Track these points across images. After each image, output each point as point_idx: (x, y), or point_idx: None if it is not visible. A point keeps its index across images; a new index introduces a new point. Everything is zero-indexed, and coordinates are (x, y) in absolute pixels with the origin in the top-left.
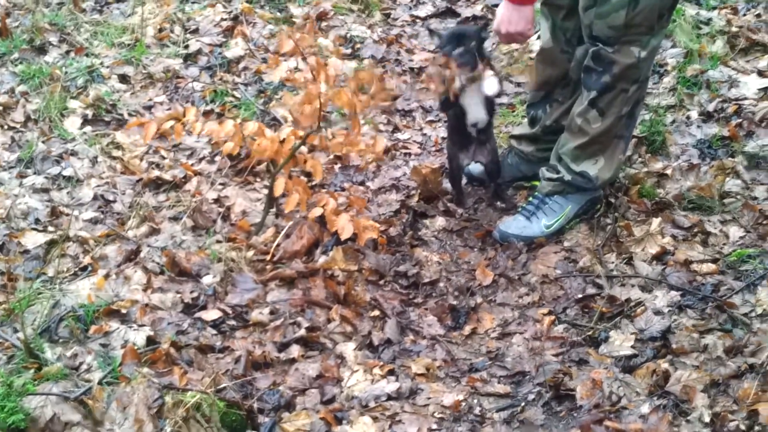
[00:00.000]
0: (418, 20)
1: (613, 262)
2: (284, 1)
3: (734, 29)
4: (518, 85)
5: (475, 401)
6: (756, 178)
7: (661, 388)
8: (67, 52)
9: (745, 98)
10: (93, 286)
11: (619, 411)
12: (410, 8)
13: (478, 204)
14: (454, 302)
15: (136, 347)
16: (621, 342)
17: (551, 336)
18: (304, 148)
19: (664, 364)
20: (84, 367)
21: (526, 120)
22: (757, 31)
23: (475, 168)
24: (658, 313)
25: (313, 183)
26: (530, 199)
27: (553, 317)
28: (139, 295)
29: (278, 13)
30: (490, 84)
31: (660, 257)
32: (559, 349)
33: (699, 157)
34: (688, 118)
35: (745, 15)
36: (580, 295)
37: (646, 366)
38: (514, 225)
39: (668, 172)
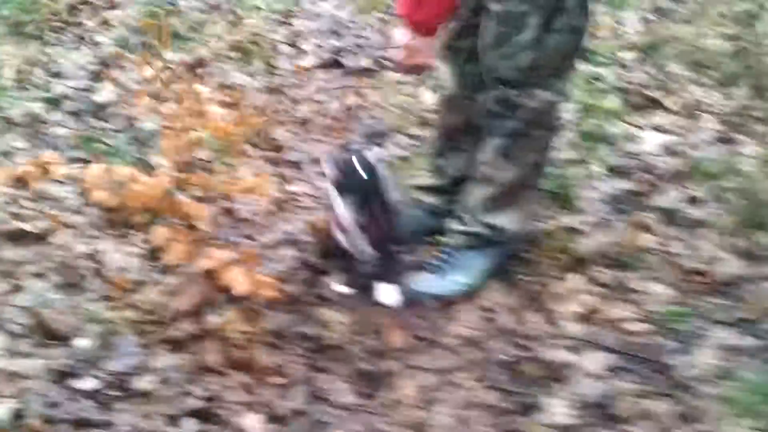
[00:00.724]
0: (302, 70)
1: (535, 322)
2: (158, 47)
3: (626, 85)
4: (412, 137)
5: None
6: (670, 234)
7: None
8: None
9: (645, 153)
10: None
11: None
12: (293, 58)
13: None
14: (367, 367)
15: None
16: (556, 409)
17: (479, 403)
18: (184, 197)
19: None
20: None
21: (429, 171)
22: (648, 87)
23: None
24: (592, 376)
25: (198, 235)
26: (438, 254)
27: (479, 382)
28: (1, 362)
29: (151, 58)
30: (386, 294)
31: (585, 316)
32: (490, 419)
33: (609, 212)
34: (592, 173)
35: (633, 72)
36: (505, 358)
37: None
38: (422, 283)
39: (580, 227)
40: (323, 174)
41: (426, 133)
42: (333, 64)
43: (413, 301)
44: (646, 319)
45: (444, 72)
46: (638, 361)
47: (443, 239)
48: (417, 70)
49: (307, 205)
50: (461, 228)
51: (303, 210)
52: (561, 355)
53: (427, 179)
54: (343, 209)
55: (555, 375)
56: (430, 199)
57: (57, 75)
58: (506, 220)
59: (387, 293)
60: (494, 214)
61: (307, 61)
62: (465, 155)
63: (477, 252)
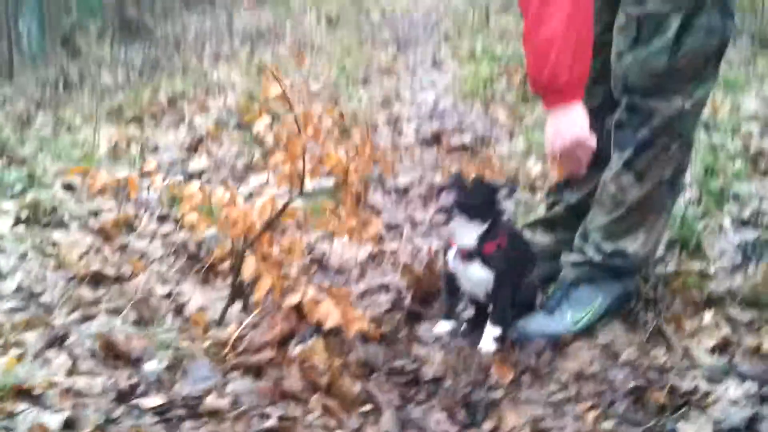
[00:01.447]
0: (400, 148)
1: (664, 355)
2: (254, 125)
3: (753, 151)
4: (517, 203)
5: None
6: None
7: None
8: (8, 165)
9: None
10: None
11: None
12: (393, 138)
13: None
14: (469, 398)
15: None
16: None
17: (600, 431)
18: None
19: None
20: None
21: (546, 205)
22: None
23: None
24: (733, 403)
25: (288, 272)
26: (551, 292)
27: (598, 412)
28: (61, 377)
29: (248, 136)
30: (486, 342)
31: (722, 348)
32: None
33: (743, 259)
34: (721, 226)
35: (759, 141)
36: (627, 389)
37: None
38: (534, 322)
39: (711, 271)
40: (441, 201)
41: (533, 198)
42: (433, 142)
43: (523, 342)
44: None
45: None
46: None
47: (558, 277)
48: (577, 157)
49: (402, 261)
50: (577, 259)
51: (398, 265)
52: (697, 384)
53: (542, 214)
54: (463, 232)
55: (691, 403)
56: (540, 238)
57: (152, 150)
58: (632, 244)
59: (488, 339)
60: (618, 239)
61: (407, 140)
62: (585, 185)
63: (595, 287)
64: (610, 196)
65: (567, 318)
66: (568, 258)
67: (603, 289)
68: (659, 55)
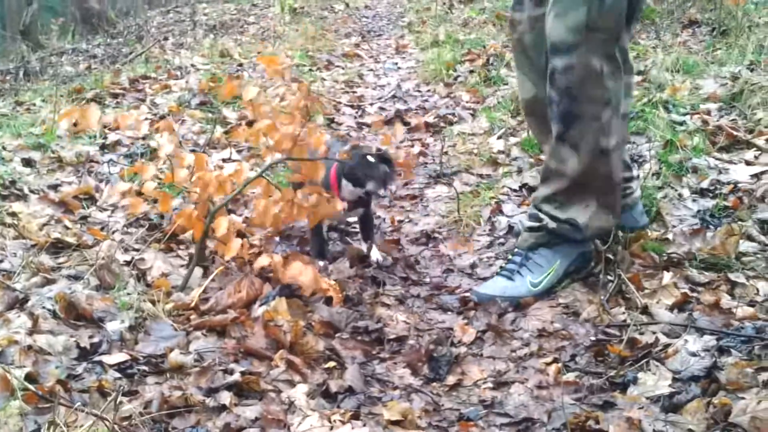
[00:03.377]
0: (363, 126)
1: (623, 313)
2: (217, 105)
3: (711, 128)
4: (481, 176)
5: None
6: None
7: (724, 421)
8: None
9: (738, 182)
10: None
11: None
12: (356, 117)
13: (447, 273)
14: (432, 355)
15: (10, 377)
16: (655, 382)
17: (561, 382)
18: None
19: (719, 399)
20: None
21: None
22: (737, 129)
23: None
24: (693, 355)
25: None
26: (510, 257)
27: (559, 365)
28: (21, 336)
29: (210, 114)
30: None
31: (681, 306)
32: (574, 395)
33: (702, 225)
34: (680, 195)
35: (719, 120)
36: (591, 340)
37: (695, 402)
38: (493, 286)
39: (669, 236)
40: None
41: (494, 172)
42: (397, 121)
43: (484, 303)
44: (752, 304)
45: (519, 75)
46: (744, 340)
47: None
48: None
49: None
50: (533, 224)
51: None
52: (656, 338)
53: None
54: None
55: (651, 355)
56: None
57: (114, 129)
58: (585, 215)
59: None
60: (568, 208)
61: (370, 119)
62: None
63: (552, 250)
64: (551, 170)
65: (527, 282)
66: (523, 224)
67: (561, 252)
68: (578, 8)
